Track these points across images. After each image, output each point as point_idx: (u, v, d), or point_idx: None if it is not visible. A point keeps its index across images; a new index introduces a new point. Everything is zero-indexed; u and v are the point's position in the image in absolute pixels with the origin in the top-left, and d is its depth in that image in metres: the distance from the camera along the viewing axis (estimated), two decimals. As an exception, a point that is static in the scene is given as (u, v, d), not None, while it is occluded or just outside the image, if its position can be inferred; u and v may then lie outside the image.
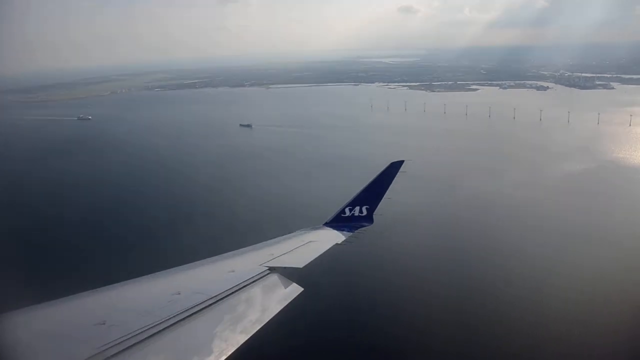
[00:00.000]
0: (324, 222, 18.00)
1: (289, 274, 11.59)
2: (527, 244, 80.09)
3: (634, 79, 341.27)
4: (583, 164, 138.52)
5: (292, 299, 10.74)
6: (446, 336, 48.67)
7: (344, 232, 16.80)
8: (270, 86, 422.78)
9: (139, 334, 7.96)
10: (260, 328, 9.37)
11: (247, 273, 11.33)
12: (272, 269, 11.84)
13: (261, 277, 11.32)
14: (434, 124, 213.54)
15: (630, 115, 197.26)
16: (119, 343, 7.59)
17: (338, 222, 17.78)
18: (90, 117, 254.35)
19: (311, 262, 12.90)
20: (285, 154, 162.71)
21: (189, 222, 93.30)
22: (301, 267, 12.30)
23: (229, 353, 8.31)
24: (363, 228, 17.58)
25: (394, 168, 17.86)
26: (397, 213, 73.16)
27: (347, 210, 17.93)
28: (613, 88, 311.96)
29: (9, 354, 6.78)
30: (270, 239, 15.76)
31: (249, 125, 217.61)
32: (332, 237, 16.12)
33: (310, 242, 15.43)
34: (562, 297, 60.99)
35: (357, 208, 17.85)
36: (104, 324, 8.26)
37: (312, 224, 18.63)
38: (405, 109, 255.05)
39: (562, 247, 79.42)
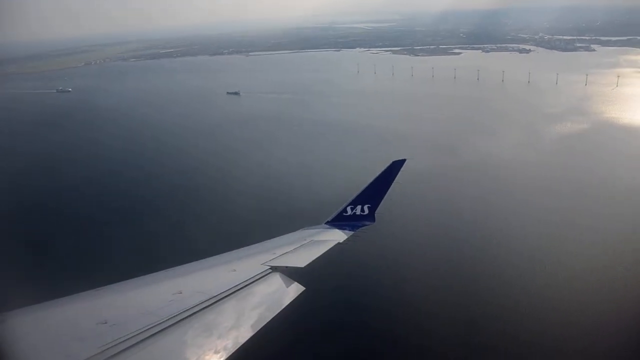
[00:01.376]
0: (325, 221, 17.93)
1: (291, 273, 11.53)
2: (529, 205, 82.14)
3: (613, 41, 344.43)
4: (578, 124, 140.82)
5: (294, 298, 10.73)
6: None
7: (346, 230, 16.82)
8: (250, 53, 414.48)
9: (140, 333, 7.97)
10: (262, 327, 9.34)
11: (248, 272, 11.29)
12: (273, 268, 11.79)
13: (263, 277, 11.29)
14: (425, 88, 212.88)
15: (618, 76, 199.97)
16: (120, 342, 7.61)
17: (340, 220, 17.75)
18: (70, 90, 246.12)
19: (313, 261, 12.80)
20: (279, 121, 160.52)
21: (184, 195, 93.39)
22: (303, 266, 12.20)
23: (231, 352, 8.32)
24: (365, 227, 17.59)
25: (395, 167, 17.80)
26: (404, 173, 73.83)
27: (348, 209, 17.89)
28: (594, 50, 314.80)
29: (10, 353, 6.71)
30: (272, 237, 15.74)
31: (236, 93, 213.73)
32: (334, 236, 16.10)
33: (312, 241, 15.37)
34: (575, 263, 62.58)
35: (359, 207, 17.81)
36: (105, 323, 8.22)
37: (313, 220, 18.77)
38: (393, 74, 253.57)
39: (561, 203, 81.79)
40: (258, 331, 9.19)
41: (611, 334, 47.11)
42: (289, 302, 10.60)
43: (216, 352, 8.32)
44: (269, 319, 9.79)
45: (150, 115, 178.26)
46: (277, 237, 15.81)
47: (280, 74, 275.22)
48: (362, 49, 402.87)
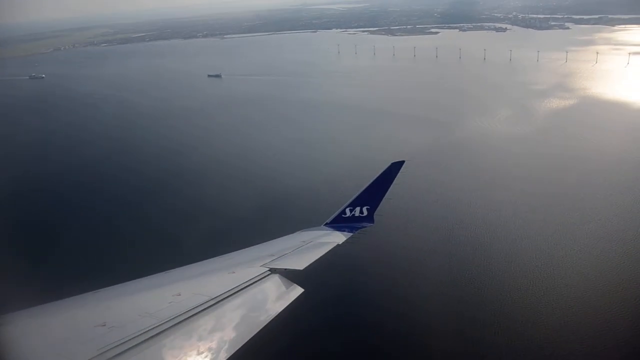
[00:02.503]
0: (324, 223, 17.87)
1: (290, 275, 11.50)
2: (525, 177, 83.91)
3: (585, 19, 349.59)
4: (565, 100, 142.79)
5: (292, 300, 10.70)
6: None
7: (345, 232, 16.75)
8: (225, 36, 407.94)
9: (139, 335, 7.94)
10: (261, 329, 9.33)
11: (247, 274, 11.27)
12: (272, 270, 11.73)
13: (262, 278, 11.24)
14: (410, 67, 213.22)
15: (597, 53, 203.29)
16: (119, 344, 7.58)
17: (339, 222, 17.72)
18: (43, 76, 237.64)
19: (312, 263, 12.80)
20: (267, 102, 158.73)
21: (173, 180, 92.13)
22: (302, 269, 12.14)
23: (230, 354, 8.34)
24: (364, 228, 17.63)
25: (394, 168, 17.79)
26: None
27: (347, 210, 17.84)
28: (568, 28, 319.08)
29: (9, 355, 6.69)
30: (272, 238, 15.76)
31: (218, 75, 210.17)
32: (333, 238, 16.02)
33: (311, 242, 15.28)
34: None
35: (358, 208, 17.79)
36: (104, 325, 8.22)
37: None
38: (374, 54, 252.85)
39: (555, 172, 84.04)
40: (257, 333, 9.17)
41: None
42: (288, 303, 10.56)
43: (215, 354, 8.34)
44: (268, 321, 9.76)
45: (132, 100, 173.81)
46: (276, 239, 15.76)
47: (261, 56, 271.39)
48: (339, 30, 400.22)
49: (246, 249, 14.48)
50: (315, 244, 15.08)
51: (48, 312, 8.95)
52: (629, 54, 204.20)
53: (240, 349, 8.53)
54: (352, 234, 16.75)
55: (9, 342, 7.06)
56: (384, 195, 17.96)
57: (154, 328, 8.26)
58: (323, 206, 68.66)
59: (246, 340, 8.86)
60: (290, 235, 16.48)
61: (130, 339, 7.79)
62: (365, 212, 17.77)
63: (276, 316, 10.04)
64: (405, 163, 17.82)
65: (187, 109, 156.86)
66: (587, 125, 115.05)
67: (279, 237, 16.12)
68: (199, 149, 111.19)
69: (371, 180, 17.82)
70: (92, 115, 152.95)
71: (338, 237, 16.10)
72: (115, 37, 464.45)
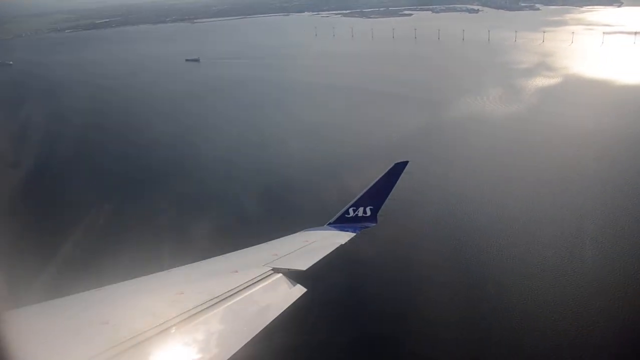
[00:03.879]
0: (327, 222, 17.87)
1: (293, 275, 11.47)
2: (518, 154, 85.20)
3: (553, 1, 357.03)
4: (549, 78, 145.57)
5: (295, 300, 10.69)
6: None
7: (348, 232, 16.74)
8: (195, 21, 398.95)
9: (142, 333, 7.91)
10: (264, 328, 9.32)
11: (250, 273, 11.20)
12: (275, 270, 11.67)
13: (264, 278, 11.18)
14: (390, 48, 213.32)
15: (572, 33, 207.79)
16: (122, 342, 7.56)
17: (342, 222, 17.66)
18: (11, 63, 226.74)
19: (315, 263, 12.75)
20: (255, 85, 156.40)
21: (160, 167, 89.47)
22: (304, 269, 12.11)
23: (232, 353, 8.33)
24: (367, 228, 17.71)
25: (398, 168, 17.71)
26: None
27: (350, 210, 17.77)
28: (538, 9, 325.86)
29: (11, 353, 6.56)
30: (274, 238, 15.49)
31: (196, 60, 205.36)
32: (336, 238, 15.97)
33: (314, 242, 15.23)
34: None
35: (361, 209, 17.70)
36: (107, 323, 8.25)
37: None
38: (352, 36, 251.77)
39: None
40: (259, 332, 9.11)
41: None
42: (290, 303, 10.52)
43: (218, 352, 8.32)
44: (271, 320, 9.73)
45: (111, 86, 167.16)
46: (279, 239, 15.54)
47: (237, 40, 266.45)
48: (311, 13, 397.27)
49: (249, 248, 14.29)
50: (319, 244, 15.03)
51: (50, 309, 8.89)
52: (603, 33, 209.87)
53: (242, 347, 8.45)
54: (355, 233, 16.75)
55: (11, 339, 6.81)
56: (387, 196, 18.00)
57: (157, 326, 8.18)
58: (321, 194, 68.06)
59: (249, 339, 8.80)
60: (294, 234, 16.36)
61: (133, 337, 7.73)
62: (368, 212, 17.75)
63: (279, 315, 9.99)
64: (404, 159, 17.70)
65: (170, 94, 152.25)
66: (579, 104, 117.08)
67: (281, 235, 15.93)
68: (191, 138, 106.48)
69: (374, 181, 17.80)
70: (73, 103, 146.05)
71: (341, 237, 16.07)
72: (78, 22, 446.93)
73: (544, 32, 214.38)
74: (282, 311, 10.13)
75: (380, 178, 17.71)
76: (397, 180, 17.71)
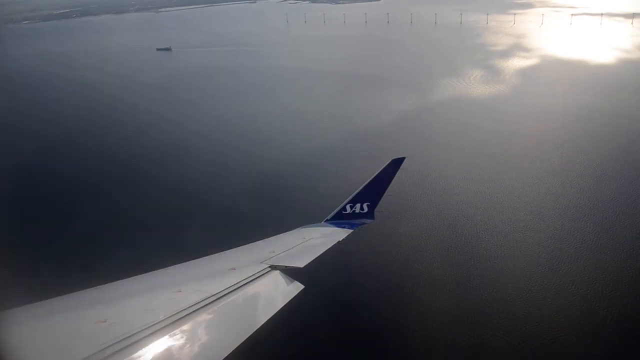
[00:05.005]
0: (325, 219, 18.11)
1: (290, 272, 11.65)
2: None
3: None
4: (526, 59, 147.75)
5: (293, 297, 10.89)
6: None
7: (346, 228, 16.98)
8: (160, 10, 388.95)
9: (140, 332, 8.02)
10: (262, 325, 9.49)
11: (248, 271, 11.37)
12: (273, 267, 11.88)
13: (262, 275, 11.36)
14: (365, 33, 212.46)
15: (542, 15, 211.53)
16: (120, 340, 7.64)
17: (339, 219, 17.96)
18: None
19: (312, 260, 12.99)
20: (235, 72, 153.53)
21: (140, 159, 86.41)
22: (302, 266, 12.27)
23: (230, 351, 8.47)
24: (364, 225, 17.96)
25: (395, 165, 18.04)
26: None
27: (348, 207, 18.10)
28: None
29: (9, 352, 6.67)
30: (272, 235, 15.75)
31: (168, 49, 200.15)
32: (334, 235, 16.24)
33: (311, 239, 15.46)
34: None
35: (358, 205, 18.04)
36: (105, 321, 8.23)
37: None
38: (324, 22, 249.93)
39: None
40: (257, 329, 9.25)
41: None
42: (288, 300, 10.68)
43: (216, 350, 8.44)
44: (268, 317, 9.86)
45: (84, 77, 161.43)
46: (277, 236, 15.76)
47: (208, 28, 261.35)
48: (278, 0, 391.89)
49: (246, 245, 14.33)
50: (316, 241, 15.13)
51: (48, 308, 8.81)
52: (571, 15, 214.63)
53: (240, 345, 8.52)
54: (352, 230, 16.83)
55: (9, 339, 6.93)
56: (384, 192, 18.14)
57: (155, 324, 8.24)
58: (305, 183, 69.05)
59: (247, 337, 8.89)
60: (291, 231, 16.49)
61: (131, 335, 7.78)
62: (365, 209, 17.97)
63: (277, 312, 10.09)
64: (400, 152, 18.71)
65: (146, 84, 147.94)
66: (558, 83, 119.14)
67: (279, 231, 16.03)
68: (175, 130, 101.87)
69: (372, 177, 17.95)
70: (45, 95, 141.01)
71: (339, 234, 16.16)
72: (35, 14, 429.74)
73: (515, 14, 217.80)
74: (280, 308, 10.21)
75: (377, 174, 17.84)
76: (394, 177, 17.90)
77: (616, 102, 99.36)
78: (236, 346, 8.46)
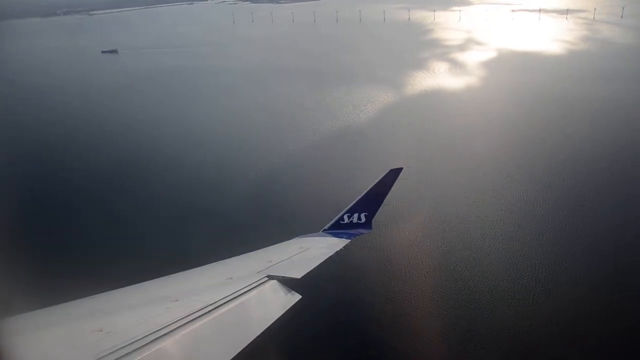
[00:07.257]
0: (322, 229, 18.16)
1: (288, 281, 11.73)
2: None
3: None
4: (483, 52, 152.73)
5: (290, 306, 10.93)
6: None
7: (343, 238, 17.08)
8: (92, 12, 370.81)
9: (136, 341, 8.09)
10: (258, 336, 9.53)
11: (245, 280, 11.47)
12: (270, 277, 11.96)
13: (259, 285, 11.43)
14: (317, 32, 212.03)
15: (486, 11, 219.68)
16: (116, 350, 7.72)
17: (337, 228, 18.03)
18: None
19: (310, 271, 13.04)
20: (186, 73, 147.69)
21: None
22: (299, 277, 12.29)
23: None
24: (362, 235, 18.13)
25: (392, 175, 18.10)
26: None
27: (345, 217, 18.21)
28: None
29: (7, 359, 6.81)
30: (269, 245, 15.85)
31: (114, 51, 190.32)
32: (331, 245, 16.31)
33: (309, 249, 15.56)
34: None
35: (356, 215, 18.14)
36: (101, 330, 8.33)
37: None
38: (272, 21, 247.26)
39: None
40: (254, 339, 9.20)
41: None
42: (285, 310, 10.62)
43: None
44: (265, 327, 9.80)
45: (25, 82, 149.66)
46: (274, 246, 15.78)
47: (151, 30, 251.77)
48: (217, 1, 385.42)
49: (243, 255, 14.29)
50: (314, 251, 15.02)
51: (45, 317, 8.85)
52: (512, 11, 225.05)
53: (237, 355, 8.42)
54: (350, 240, 16.77)
55: (8, 346, 6.90)
56: (382, 202, 18.11)
57: (151, 334, 8.19)
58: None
59: (243, 347, 8.83)
60: (289, 241, 16.45)
61: (127, 345, 7.74)
62: (363, 219, 17.90)
63: (274, 322, 10.01)
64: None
65: (95, 87, 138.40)
66: (522, 72, 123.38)
67: (276, 239, 16.01)
68: (140, 138, 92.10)
69: (369, 187, 17.89)
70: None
71: (336, 244, 16.08)
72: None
73: (459, 11, 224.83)
74: (276, 318, 10.05)
75: (375, 185, 17.69)
76: (391, 187, 17.73)
77: (591, 88, 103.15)
78: (232, 356, 8.31)
